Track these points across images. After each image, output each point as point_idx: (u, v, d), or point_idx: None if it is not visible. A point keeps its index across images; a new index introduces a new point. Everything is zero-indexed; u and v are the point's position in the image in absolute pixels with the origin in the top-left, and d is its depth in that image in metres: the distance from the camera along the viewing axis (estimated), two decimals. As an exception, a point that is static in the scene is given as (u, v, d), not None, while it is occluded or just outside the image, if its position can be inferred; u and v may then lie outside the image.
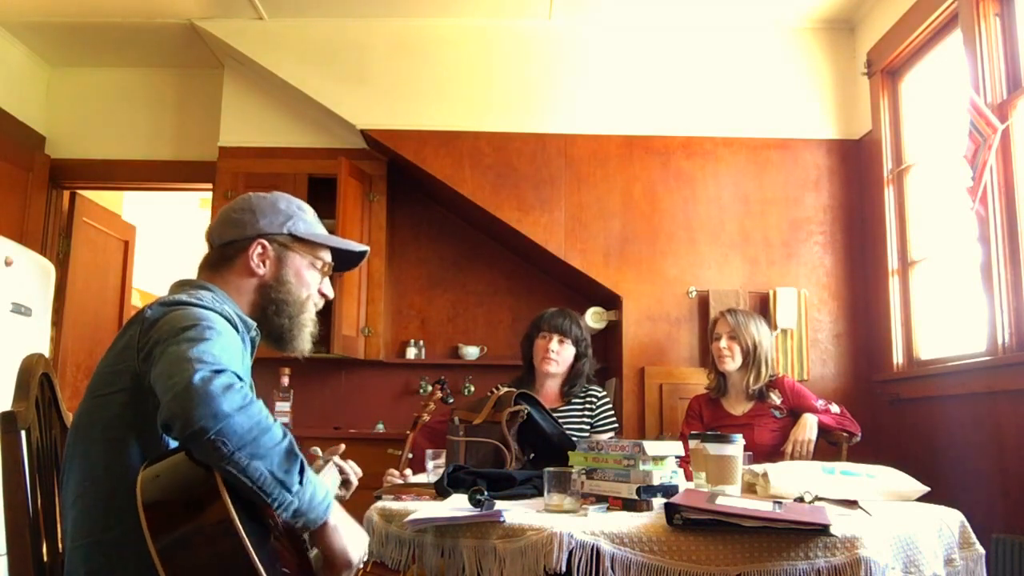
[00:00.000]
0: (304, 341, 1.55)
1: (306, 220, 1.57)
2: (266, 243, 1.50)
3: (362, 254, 1.67)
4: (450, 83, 4.02)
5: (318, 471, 1.55)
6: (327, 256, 1.59)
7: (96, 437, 1.28)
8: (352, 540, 1.26)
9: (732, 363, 2.88)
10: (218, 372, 1.14)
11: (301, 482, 1.17)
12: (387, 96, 4.01)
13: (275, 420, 1.19)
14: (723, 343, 2.90)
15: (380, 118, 4.00)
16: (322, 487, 1.22)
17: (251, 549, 1.08)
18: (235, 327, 1.35)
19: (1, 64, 4.27)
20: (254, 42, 4.07)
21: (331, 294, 1.61)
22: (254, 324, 1.47)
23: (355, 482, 1.60)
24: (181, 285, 1.47)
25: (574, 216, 3.90)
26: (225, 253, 1.50)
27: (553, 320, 2.93)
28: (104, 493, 1.25)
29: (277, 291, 1.50)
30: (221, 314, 1.32)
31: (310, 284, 1.55)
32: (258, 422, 1.14)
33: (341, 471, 1.58)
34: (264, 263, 1.50)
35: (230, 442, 1.10)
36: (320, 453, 1.61)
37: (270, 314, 1.50)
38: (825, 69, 4.01)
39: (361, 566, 1.29)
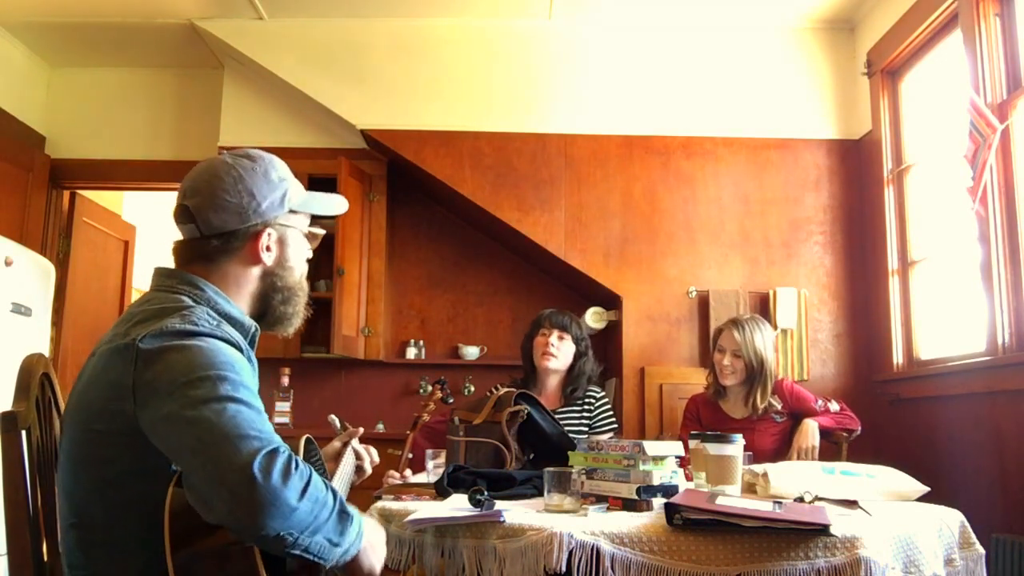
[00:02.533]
0: (298, 322, 1.45)
1: (295, 185, 1.42)
2: (272, 230, 1.36)
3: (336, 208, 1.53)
4: (450, 83, 4.02)
5: (337, 455, 1.55)
6: (308, 221, 1.46)
7: (90, 476, 1.19)
8: (377, 554, 1.23)
9: (733, 379, 2.83)
10: (272, 454, 1.05)
11: (345, 535, 1.13)
12: (387, 96, 4.01)
13: (320, 477, 1.12)
14: (727, 360, 2.81)
15: (380, 118, 4.00)
16: (356, 520, 1.16)
17: None
18: (237, 346, 1.23)
19: (1, 64, 4.27)
20: (254, 42, 4.07)
21: (311, 256, 1.47)
22: (253, 325, 1.36)
23: (369, 470, 1.58)
24: (168, 278, 1.32)
25: (574, 216, 3.90)
26: (226, 245, 1.33)
27: (552, 317, 2.96)
28: (105, 529, 1.19)
29: (282, 278, 1.39)
30: (223, 339, 1.20)
31: (304, 256, 1.44)
32: (316, 498, 1.08)
33: (357, 456, 1.56)
34: (271, 250, 1.36)
35: (296, 530, 1.05)
36: (337, 422, 1.59)
37: (276, 303, 1.39)
38: (825, 69, 4.01)
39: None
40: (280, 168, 1.40)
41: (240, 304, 1.36)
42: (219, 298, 1.31)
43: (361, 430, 1.58)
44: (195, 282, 1.31)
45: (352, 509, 1.17)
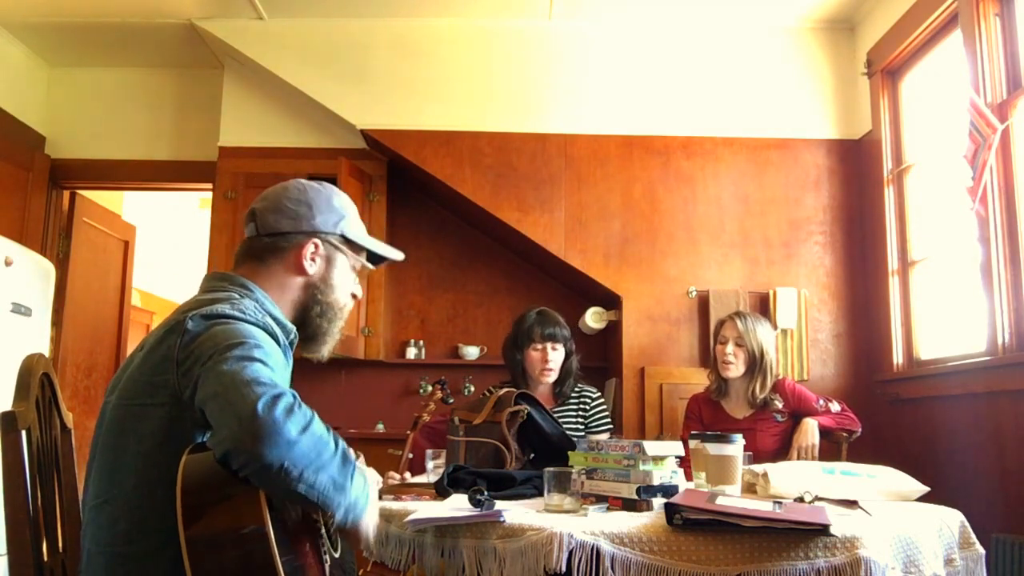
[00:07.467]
0: (332, 346, 1.54)
1: (356, 221, 1.55)
2: (319, 242, 1.48)
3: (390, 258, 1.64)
4: (450, 83, 4.02)
5: None
6: (365, 259, 1.58)
7: (128, 448, 1.24)
8: (375, 517, 1.29)
9: (736, 370, 2.84)
10: (277, 396, 1.12)
11: (354, 482, 1.18)
12: (387, 96, 4.01)
13: (322, 422, 1.18)
14: (729, 348, 2.83)
15: (380, 118, 4.00)
16: (360, 476, 1.21)
17: (279, 561, 1.09)
18: (276, 338, 1.32)
19: (1, 64, 4.27)
20: (254, 42, 4.07)
21: (360, 294, 1.59)
22: (293, 329, 1.44)
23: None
24: (220, 280, 1.42)
25: (574, 216, 3.90)
26: (276, 244, 1.45)
27: (544, 329, 2.87)
28: (133, 506, 1.22)
29: (324, 293, 1.48)
30: (264, 328, 1.30)
31: (350, 287, 1.54)
32: (320, 436, 1.14)
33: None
34: (315, 262, 1.47)
35: (298, 465, 1.10)
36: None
37: (313, 315, 1.48)
38: (825, 69, 4.01)
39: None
40: (344, 200, 1.56)
41: (282, 309, 1.45)
42: (265, 300, 1.42)
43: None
44: (244, 283, 1.42)
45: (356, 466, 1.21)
